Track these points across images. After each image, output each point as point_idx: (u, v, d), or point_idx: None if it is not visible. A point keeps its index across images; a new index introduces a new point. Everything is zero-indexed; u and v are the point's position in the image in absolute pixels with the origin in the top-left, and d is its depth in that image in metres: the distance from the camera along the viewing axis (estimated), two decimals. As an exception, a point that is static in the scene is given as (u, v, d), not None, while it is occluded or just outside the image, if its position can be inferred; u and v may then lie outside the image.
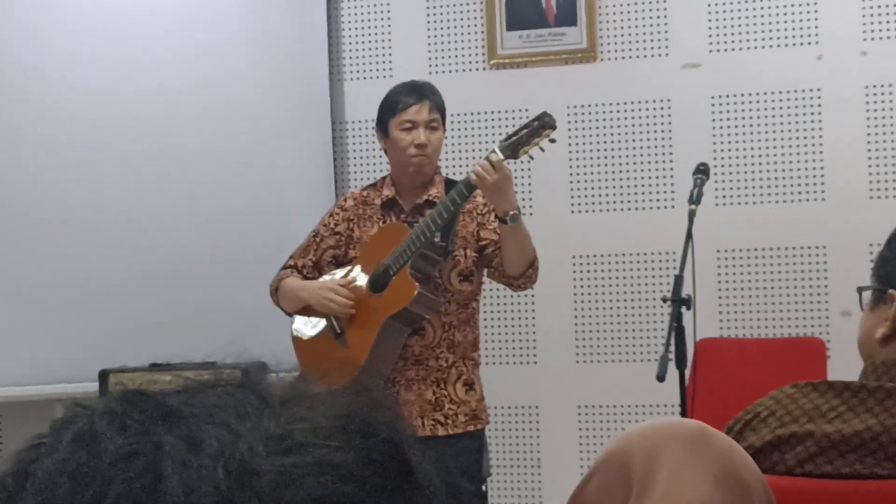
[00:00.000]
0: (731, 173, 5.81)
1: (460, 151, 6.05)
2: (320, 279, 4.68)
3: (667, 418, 1.74)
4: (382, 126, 4.64)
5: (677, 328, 4.33)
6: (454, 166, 5.90)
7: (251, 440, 0.80)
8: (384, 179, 4.74)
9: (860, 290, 2.78)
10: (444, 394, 4.56)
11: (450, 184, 4.56)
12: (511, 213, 4.32)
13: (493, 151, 4.34)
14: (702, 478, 1.57)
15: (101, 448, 0.80)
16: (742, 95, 5.81)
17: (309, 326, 4.71)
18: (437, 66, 6.15)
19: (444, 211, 4.37)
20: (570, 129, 5.95)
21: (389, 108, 4.62)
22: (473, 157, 5.97)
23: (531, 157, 4.44)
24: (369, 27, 6.27)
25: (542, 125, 4.37)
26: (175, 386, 0.87)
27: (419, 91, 4.63)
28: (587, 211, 5.97)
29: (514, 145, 4.35)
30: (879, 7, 5.68)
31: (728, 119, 5.83)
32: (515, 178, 5.96)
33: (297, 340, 4.73)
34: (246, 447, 0.79)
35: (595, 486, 1.63)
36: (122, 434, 0.80)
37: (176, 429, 0.80)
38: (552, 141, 4.39)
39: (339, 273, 4.65)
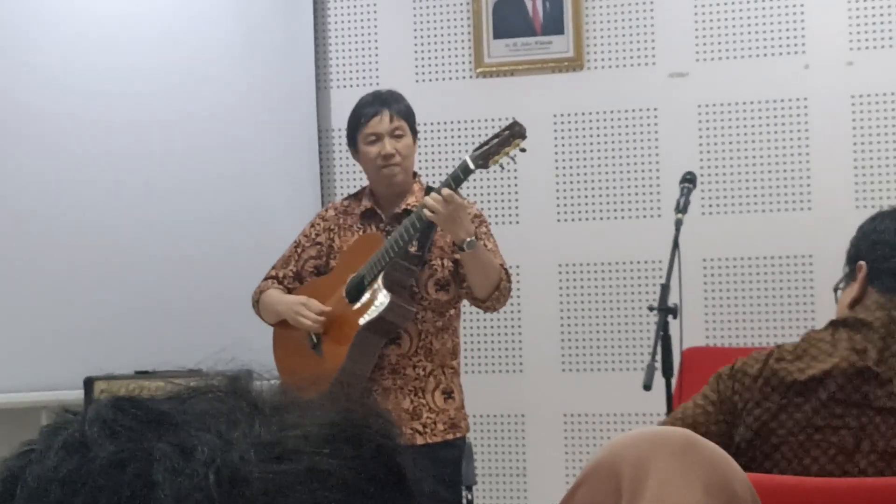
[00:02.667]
0: (717, 182, 5.82)
1: (446, 160, 6.04)
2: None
3: (654, 427, 1.74)
4: (352, 142, 4.66)
5: (664, 337, 4.33)
6: (440, 175, 5.88)
7: (242, 447, 0.79)
8: (364, 190, 4.75)
9: (836, 288, 3.22)
10: (423, 402, 4.55)
11: (429, 191, 4.56)
12: (467, 240, 4.32)
13: (464, 161, 4.35)
14: (691, 486, 1.57)
15: (91, 455, 0.79)
16: (729, 105, 5.82)
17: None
18: (423, 74, 6.15)
19: (417, 220, 4.37)
20: (556, 138, 5.95)
21: (354, 123, 4.64)
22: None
23: (502, 167, 4.44)
24: (356, 35, 6.26)
25: (512, 134, 4.37)
26: (165, 392, 0.87)
27: (380, 101, 4.62)
28: (573, 219, 5.97)
29: (485, 155, 4.36)
30: (866, 17, 5.69)
31: (715, 128, 5.83)
32: (502, 185, 5.99)
33: (276, 350, 4.74)
34: (237, 454, 0.79)
35: (584, 495, 1.63)
36: (112, 441, 0.80)
37: (167, 435, 0.80)
38: (523, 150, 4.39)
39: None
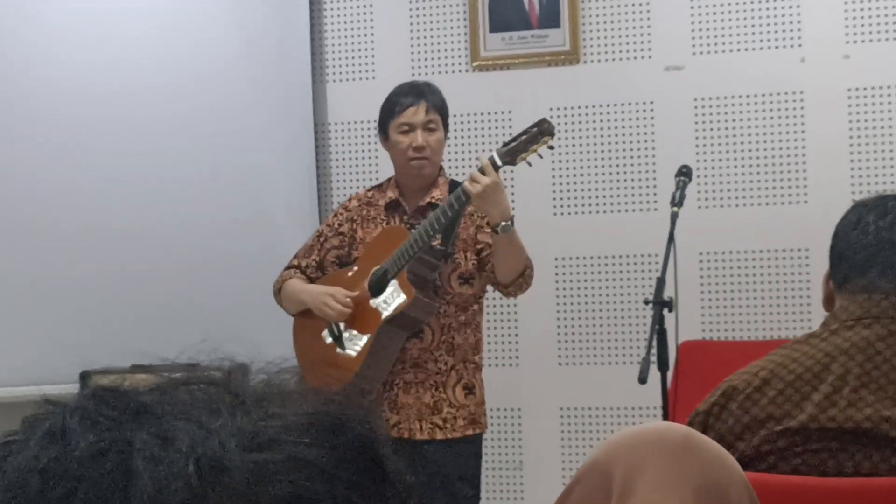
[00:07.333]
0: (713, 176, 5.82)
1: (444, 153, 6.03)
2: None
3: (654, 425, 1.73)
4: (383, 129, 4.64)
5: (659, 330, 4.33)
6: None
7: (223, 437, 0.79)
8: (389, 181, 4.73)
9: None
10: (443, 397, 4.54)
11: (453, 185, 4.55)
12: (502, 223, 4.31)
13: (491, 157, 4.33)
14: (680, 493, 1.57)
15: (71, 445, 0.79)
16: (725, 98, 5.82)
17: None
18: (419, 67, 6.15)
19: (441, 216, 4.36)
20: (552, 132, 5.95)
21: (388, 111, 4.62)
22: (456, 159, 5.97)
23: (529, 164, 4.43)
24: (352, 29, 6.26)
25: (540, 132, 4.35)
26: (148, 383, 0.87)
27: (416, 92, 4.62)
28: (569, 213, 5.97)
29: (513, 152, 4.34)
30: (862, 10, 5.69)
31: (711, 121, 5.83)
32: (498, 180, 5.98)
33: (296, 341, 4.73)
34: (217, 443, 0.79)
35: (578, 495, 1.63)
36: (92, 431, 0.80)
37: (147, 425, 0.80)
38: (550, 148, 4.39)
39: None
